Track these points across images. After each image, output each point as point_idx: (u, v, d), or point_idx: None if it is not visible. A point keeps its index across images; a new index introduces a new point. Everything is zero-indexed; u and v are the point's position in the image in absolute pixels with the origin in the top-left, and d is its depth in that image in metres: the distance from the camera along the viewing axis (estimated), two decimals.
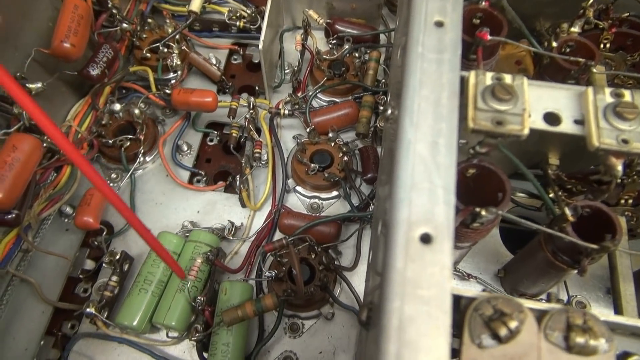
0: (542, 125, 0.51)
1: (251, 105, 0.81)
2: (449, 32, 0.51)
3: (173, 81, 0.90)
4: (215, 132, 0.88)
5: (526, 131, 0.48)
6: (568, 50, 0.65)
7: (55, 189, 0.73)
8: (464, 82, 0.52)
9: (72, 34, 0.68)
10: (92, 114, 0.81)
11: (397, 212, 0.42)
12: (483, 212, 0.50)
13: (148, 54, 0.89)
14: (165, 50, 0.87)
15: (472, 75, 0.51)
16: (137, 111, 0.81)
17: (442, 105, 0.47)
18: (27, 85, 0.68)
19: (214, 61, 0.93)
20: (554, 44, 0.61)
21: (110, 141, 0.79)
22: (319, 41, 0.93)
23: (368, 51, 0.86)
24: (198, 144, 0.87)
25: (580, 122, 0.50)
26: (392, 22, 0.97)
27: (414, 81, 0.48)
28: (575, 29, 0.64)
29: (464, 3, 0.60)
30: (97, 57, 0.77)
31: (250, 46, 0.99)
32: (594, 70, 0.59)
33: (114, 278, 0.68)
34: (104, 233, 0.74)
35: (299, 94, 0.88)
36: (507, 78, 0.51)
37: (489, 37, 0.60)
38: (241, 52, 0.97)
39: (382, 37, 0.94)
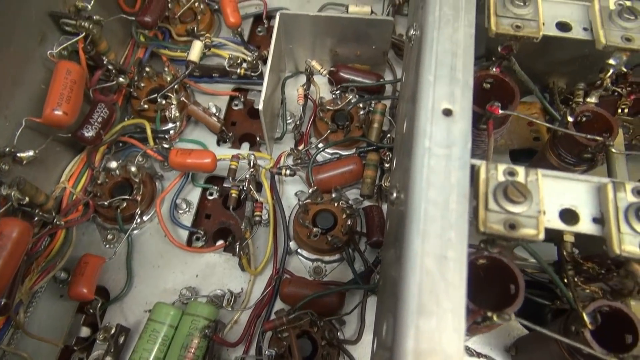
0: (558, 224, 0.47)
1: (251, 164, 0.78)
2: (459, 122, 0.48)
3: (172, 132, 0.87)
4: (216, 187, 0.85)
5: (541, 236, 0.45)
6: (584, 119, 0.61)
7: (48, 257, 0.71)
8: (474, 172, 0.49)
9: (65, 101, 0.66)
10: (87, 173, 0.79)
11: (402, 342, 0.39)
12: (495, 318, 0.47)
13: (146, 105, 0.86)
14: (164, 102, 0.85)
15: (482, 169, 0.48)
16: (134, 169, 0.78)
17: (451, 210, 0.44)
18: (18, 155, 0.66)
19: (213, 110, 0.90)
20: (570, 119, 0.57)
21: (105, 203, 0.76)
22: (322, 87, 0.90)
23: (373, 103, 0.83)
24: (197, 199, 0.84)
25: (599, 221, 0.47)
26: (399, 67, 0.94)
27: (421, 181, 0.45)
28: (592, 100, 0.61)
29: (474, 68, 0.57)
30: (91, 117, 0.74)
31: (252, 91, 0.96)
32: (613, 150, 0.56)
33: (108, 359, 0.65)
34: (99, 305, 0.71)
35: (302, 147, 0.85)
36: (520, 173, 0.48)
37: (500, 112, 0.57)
38: (242, 99, 0.94)
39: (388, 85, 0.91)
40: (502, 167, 0.48)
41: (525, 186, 0.46)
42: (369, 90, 0.88)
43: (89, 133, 0.74)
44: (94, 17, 0.77)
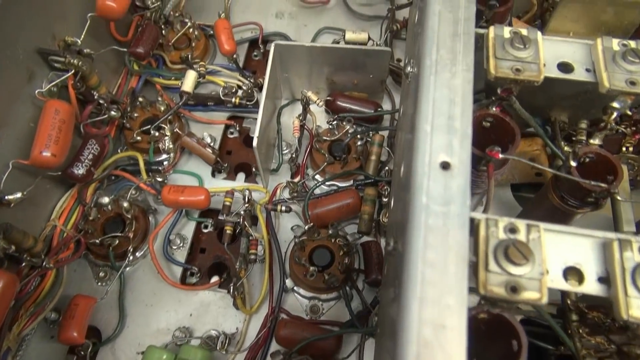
0: (562, 284, 0.45)
1: (246, 199, 0.77)
2: (457, 177, 0.46)
3: (166, 163, 0.86)
4: (210, 220, 0.84)
5: (545, 299, 0.43)
6: (587, 160, 0.60)
7: (38, 299, 0.69)
8: (473, 225, 0.47)
9: (53, 142, 0.64)
10: (78, 209, 0.77)
11: None
12: None
13: (139, 137, 0.84)
14: (157, 133, 0.83)
15: (482, 225, 0.46)
16: (126, 204, 0.76)
17: (450, 274, 0.42)
18: (5, 198, 0.64)
19: (208, 140, 0.88)
20: (572, 163, 0.55)
21: (97, 241, 0.74)
22: (319, 116, 0.89)
23: (371, 134, 0.81)
24: (192, 233, 0.82)
25: (605, 280, 0.45)
26: (397, 93, 0.92)
27: (418, 241, 0.43)
28: (596, 142, 0.59)
29: (474, 107, 0.56)
30: (82, 154, 0.73)
31: (248, 119, 0.95)
32: (618, 198, 0.54)
33: None
34: (90, 348, 0.69)
35: (298, 179, 0.83)
36: (522, 229, 0.46)
37: (500, 156, 0.55)
38: (237, 127, 0.92)
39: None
40: (502, 224, 0.46)
41: (527, 246, 0.44)
42: (366, 120, 0.87)
43: (79, 171, 0.72)
44: (85, 51, 0.75)
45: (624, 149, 0.63)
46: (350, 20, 1.03)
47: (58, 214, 0.75)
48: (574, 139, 0.64)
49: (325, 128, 0.85)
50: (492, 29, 0.56)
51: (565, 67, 0.57)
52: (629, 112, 0.55)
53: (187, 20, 0.94)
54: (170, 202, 0.75)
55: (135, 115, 0.86)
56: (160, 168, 0.84)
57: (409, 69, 0.64)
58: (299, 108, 0.89)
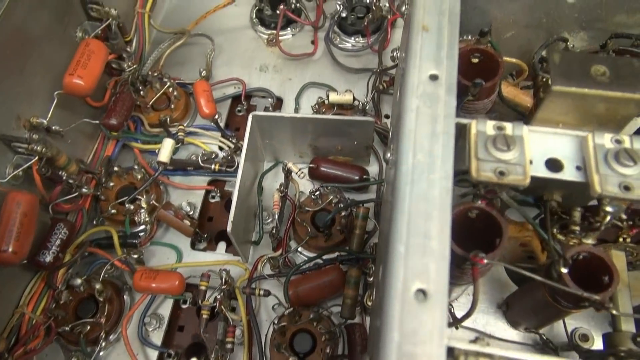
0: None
1: (223, 280, 0.73)
2: (434, 310, 0.42)
3: (142, 234, 0.82)
4: (190, 295, 0.80)
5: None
6: (581, 257, 0.55)
7: None
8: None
9: (14, 239, 0.61)
10: (48, 293, 0.74)
11: None
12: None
13: (113, 210, 0.81)
14: (132, 207, 0.80)
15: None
16: (98, 286, 0.73)
17: None
18: None
19: (187, 208, 0.85)
20: (564, 270, 0.51)
21: (67, 328, 0.71)
22: (302, 182, 0.85)
23: (354, 209, 0.78)
24: (169, 311, 0.78)
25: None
26: (385, 153, 0.88)
27: None
28: (589, 241, 0.55)
29: (458, 200, 0.52)
30: (49, 240, 0.69)
31: (230, 181, 0.91)
32: (613, 312, 0.50)
33: None
34: None
35: (280, 252, 0.79)
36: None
37: (485, 262, 0.51)
38: (218, 192, 0.89)
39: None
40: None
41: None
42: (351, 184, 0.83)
43: (46, 258, 0.69)
44: (53, 128, 0.72)
45: (621, 239, 0.59)
46: (337, 72, 0.99)
47: (26, 301, 0.72)
48: (567, 226, 0.60)
49: (308, 196, 0.81)
50: (474, 124, 0.52)
51: (554, 164, 0.52)
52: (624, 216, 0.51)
53: (166, 79, 0.90)
54: (142, 289, 0.71)
55: (111, 184, 0.83)
56: (136, 242, 0.80)
57: (389, 155, 0.60)
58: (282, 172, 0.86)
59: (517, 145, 0.51)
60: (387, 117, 0.93)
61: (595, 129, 0.54)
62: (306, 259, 0.79)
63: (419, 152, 0.49)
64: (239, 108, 0.98)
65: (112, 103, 0.80)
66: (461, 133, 0.54)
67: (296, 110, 0.94)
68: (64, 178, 0.71)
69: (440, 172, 0.48)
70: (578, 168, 0.52)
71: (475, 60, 0.67)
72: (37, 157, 0.66)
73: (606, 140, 0.51)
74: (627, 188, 0.49)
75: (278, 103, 0.97)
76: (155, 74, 0.90)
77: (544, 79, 0.56)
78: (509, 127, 0.52)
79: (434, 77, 0.53)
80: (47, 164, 0.68)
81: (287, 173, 0.81)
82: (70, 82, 0.69)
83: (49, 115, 0.70)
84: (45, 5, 0.71)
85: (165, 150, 0.81)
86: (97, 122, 0.79)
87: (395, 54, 0.91)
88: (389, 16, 1.00)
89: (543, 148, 0.53)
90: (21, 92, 0.68)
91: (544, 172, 0.52)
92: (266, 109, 0.97)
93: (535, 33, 0.74)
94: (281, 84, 0.98)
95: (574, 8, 0.69)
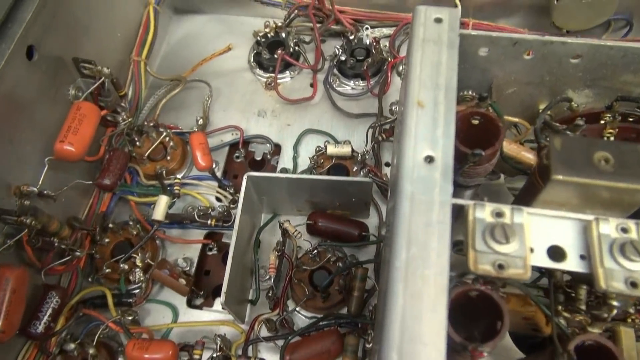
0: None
1: (218, 347, 0.71)
2: None
3: (138, 291, 0.81)
4: (186, 356, 0.78)
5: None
6: (587, 344, 0.53)
7: None
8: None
9: (2, 318, 0.59)
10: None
11: None
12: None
13: (108, 270, 0.80)
14: (126, 267, 0.78)
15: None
16: (92, 351, 0.72)
17: None
18: None
19: (184, 264, 0.84)
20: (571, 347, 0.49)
21: None
22: (301, 237, 0.83)
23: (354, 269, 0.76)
24: None
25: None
26: (384, 204, 0.86)
27: None
28: (595, 330, 0.52)
29: (457, 282, 0.51)
30: (40, 311, 0.68)
31: (227, 233, 0.89)
32: None
33: None
34: None
35: (277, 313, 0.78)
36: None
37: (485, 355, 0.49)
38: (215, 247, 0.87)
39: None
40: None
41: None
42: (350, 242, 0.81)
43: (37, 329, 0.67)
44: (45, 192, 0.71)
45: (629, 320, 0.57)
46: (336, 117, 0.97)
47: None
48: (573, 301, 0.57)
49: (305, 254, 0.80)
50: (471, 210, 0.50)
51: (556, 253, 0.50)
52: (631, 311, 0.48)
53: (162, 129, 0.89)
54: None
55: (106, 240, 0.82)
56: (131, 301, 0.79)
57: (383, 231, 0.59)
58: (282, 219, 0.84)
59: (517, 236, 0.48)
60: (387, 165, 0.91)
61: (600, 212, 0.51)
62: (304, 318, 0.78)
63: (414, 245, 0.47)
64: (237, 154, 0.97)
65: (105, 162, 0.78)
66: (460, 213, 0.52)
67: (294, 159, 0.92)
68: (56, 245, 0.70)
69: (435, 267, 0.46)
70: (582, 257, 0.49)
71: (476, 122, 0.65)
72: (25, 231, 0.64)
73: (612, 227, 0.49)
74: (634, 284, 0.46)
75: (276, 149, 0.96)
76: (152, 124, 0.89)
77: (546, 157, 0.54)
78: (508, 214, 0.49)
79: (429, 159, 0.52)
80: (37, 234, 0.67)
81: (284, 232, 0.79)
82: (61, 149, 0.67)
83: (40, 182, 0.69)
84: (37, 68, 0.70)
85: (160, 207, 0.80)
86: (91, 182, 0.78)
87: (394, 107, 0.89)
88: (389, 59, 0.98)
89: (545, 234, 0.51)
90: (11, 161, 0.67)
91: (545, 262, 0.50)
92: (264, 156, 0.96)
93: (538, 89, 0.72)
94: (279, 130, 0.97)
95: (578, 67, 0.66)
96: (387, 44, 1.01)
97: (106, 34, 0.87)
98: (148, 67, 0.95)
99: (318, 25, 1.01)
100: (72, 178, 0.77)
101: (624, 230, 0.48)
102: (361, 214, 0.84)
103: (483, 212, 0.50)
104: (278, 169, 0.92)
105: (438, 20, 0.61)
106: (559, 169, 0.49)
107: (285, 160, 0.93)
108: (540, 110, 0.74)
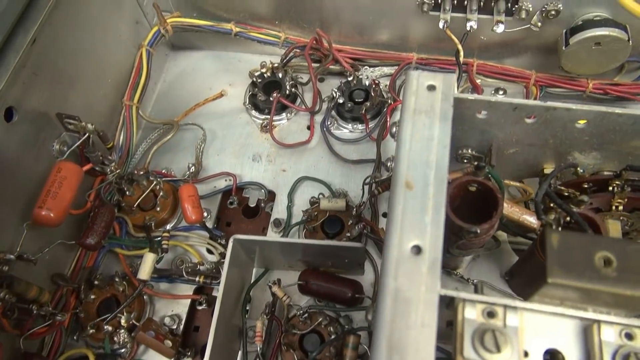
0: None
1: None
2: None
3: (123, 350, 0.78)
4: None
5: None
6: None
7: None
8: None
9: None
10: None
11: None
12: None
13: (92, 330, 0.77)
14: (110, 329, 0.76)
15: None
16: None
17: None
18: None
19: (171, 322, 0.81)
20: None
21: None
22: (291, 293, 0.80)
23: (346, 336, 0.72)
24: None
25: None
26: (379, 258, 0.82)
27: None
28: None
29: None
30: None
31: (217, 287, 0.86)
32: None
33: None
34: None
35: None
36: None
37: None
38: (205, 301, 0.84)
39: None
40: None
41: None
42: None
43: None
44: (25, 256, 0.69)
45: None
46: (333, 162, 0.94)
47: None
48: None
49: (295, 316, 0.76)
50: (460, 308, 0.46)
51: (554, 358, 0.46)
52: None
53: (152, 178, 0.87)
54: None
55: (92, 297, 0.80)
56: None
57: (369, 317, 0.55)
58: (274, 275, 0.81)
59: (509, 344, 0.44)
60: (384, 215, 0.87)
61: (604, 310, 0.47)
62: None
63: (395, 352, 0.43)
64: (230, 200, 0.94)
65: (90, 219, 0.76)
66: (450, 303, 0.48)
67: (289, 208, 0.88)
68: (35, 312, 0.68)
69: None
70: None
71: (473, 189, 0.61)
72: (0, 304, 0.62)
73: (615, 333, 0.44)
74: None
75: (271, 196, 0.92)
76: (142, 173, 0.86)
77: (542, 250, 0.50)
78: (500, 314, 0.45)
79: (416, 249, 0.48)
80: (14, 305, 0.64)
81: (273, 295, 0.76)
82: (39, 214, 0.65)
83: (19, 246, 0.67)
84: (18, 129, 0.68)
85: (146, 266, 0.77)
86: (74, 242, 0.76)
87: (390, 164, 0.85)
88: (389, 101, 0.95)
89: (541, 334, 0.47)
90: None
91: None
92: (259, 202, 0.93)
93: (542, 150, 0.67)
94: (274, 176, 0.93)
95: (584, 132, 0.62)
96: (387, 84, 0.98)
97: (95, 83, 0.85)
98: (141, 110, 0.93)
99: (317, 65, 0.98)
100: (56, 236, 0.75)
101: (629, 336, 0.44)
102: (355, 271, 0.80)
103: (473, 311, 0.46)
104: (272, 218, 0.89)
105: (431, 88, 0.57)
106: (554, 272, 0.44)
107: (279, 209, 0.90)
108: (544, 172, 0.70)
